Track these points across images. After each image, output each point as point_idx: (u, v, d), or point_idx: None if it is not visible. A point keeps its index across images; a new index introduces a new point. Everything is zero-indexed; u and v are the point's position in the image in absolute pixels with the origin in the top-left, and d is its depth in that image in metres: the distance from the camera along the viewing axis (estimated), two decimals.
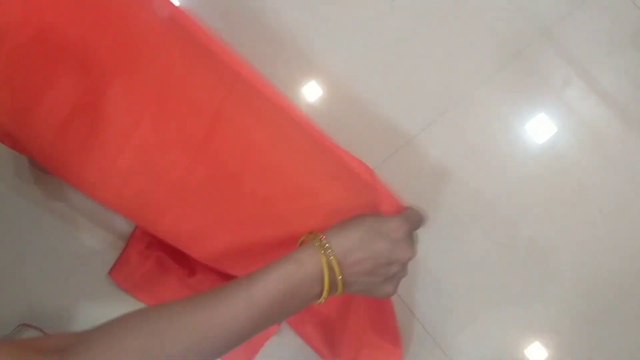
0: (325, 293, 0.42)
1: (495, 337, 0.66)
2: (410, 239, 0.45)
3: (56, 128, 0.47)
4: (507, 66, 0.69)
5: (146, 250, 0.64)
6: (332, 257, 0.42)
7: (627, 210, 0.67)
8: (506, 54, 0.70)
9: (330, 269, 0.42)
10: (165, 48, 0.47)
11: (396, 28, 0.71)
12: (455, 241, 0.67)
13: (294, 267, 0.41)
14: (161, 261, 0.64)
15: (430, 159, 0.68)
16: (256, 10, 0.70)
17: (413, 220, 0.47)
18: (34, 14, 0.44)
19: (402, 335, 0.61)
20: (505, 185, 0.68)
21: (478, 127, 0.69)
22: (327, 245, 0.42)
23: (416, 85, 0.70)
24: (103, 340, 0.37)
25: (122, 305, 0.65)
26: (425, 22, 0.71)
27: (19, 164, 0.65)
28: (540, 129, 0.69)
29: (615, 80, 0.69)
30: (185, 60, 0.47)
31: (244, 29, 0.70)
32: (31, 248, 0.65)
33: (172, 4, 0.49)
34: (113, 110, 0.46)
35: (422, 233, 0.46)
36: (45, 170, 0.59)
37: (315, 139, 0.50)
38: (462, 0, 0.71)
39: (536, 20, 0.70)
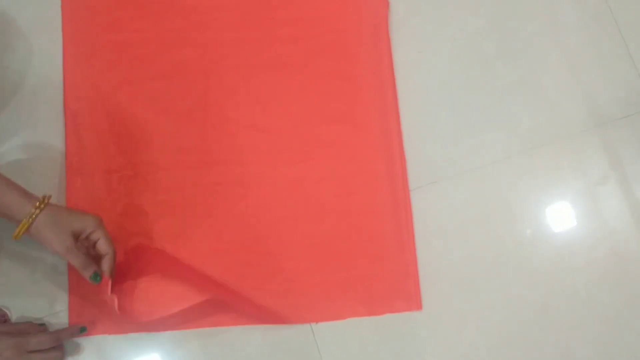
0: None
1: None
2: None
3: None
4: (550, 143, 0.68)
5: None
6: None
7: (624, 331, 0.65)
8: (554, 132, 0.69)
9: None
10: None
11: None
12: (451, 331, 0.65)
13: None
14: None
15: (438, 211, 0.67)
16: None
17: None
18: None
19: None
20: (501, 256, 0.66)
21: (497, 193, 0.67)
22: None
23: (454, 133, 0.69)
24: None
25: None
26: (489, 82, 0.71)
27: None
28: (559, 217, 0.67)
29: None
30: None
31: None
32: None
33: None
34: None
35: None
36: None
37: None
38: (534, 74, 0.70)
39: (596, 111, 0.69)
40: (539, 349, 0.64)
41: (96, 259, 0.61)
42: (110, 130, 0.68)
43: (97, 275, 0.60)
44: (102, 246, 0.60)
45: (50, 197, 0.58)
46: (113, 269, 0.61)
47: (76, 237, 0.58)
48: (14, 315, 0.64)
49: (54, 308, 0.64)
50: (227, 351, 0.64)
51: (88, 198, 0.67)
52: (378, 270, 0.66)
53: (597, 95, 0.70)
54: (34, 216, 0.56)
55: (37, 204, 0.56)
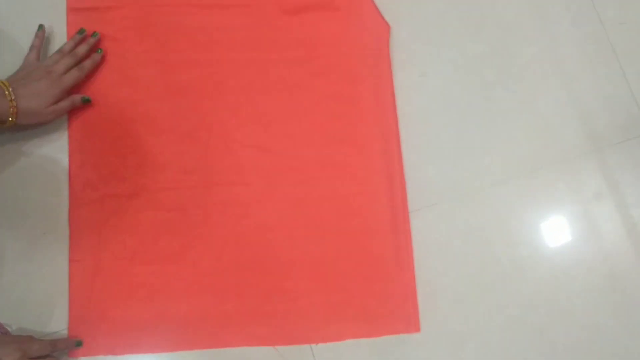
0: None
1: None
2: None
3: None
4: (547, 166, 0.69)
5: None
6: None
7: (622, 353, 0.66)
8: (552, 156, 0.70)
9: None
10: None
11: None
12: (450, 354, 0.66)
13: None
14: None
15: (437, 233, 0.68)
16: None
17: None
18: None
19: None
20: (499, 278, 0.67)
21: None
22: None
23: (454, 155, 0.70)
24: None
25: None
26: (488, 105, 0.72)
27: None
28: (557, 239, 0.68)
29: None
30: None
31: None
32: None
33: None
34: None
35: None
36: None
37: None
38: (533, 98, 0.72)
39: (593, 135, 0.70)
40: None
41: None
42: (113, 149, 0.69)
43: None
44: None
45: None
46: None
47: None
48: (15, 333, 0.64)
49: (54, 327, 0.65)
50: None
51: (90, 215, 0.67)
52: (377, 291, 0.66)
53: (594, 120, 0.71)
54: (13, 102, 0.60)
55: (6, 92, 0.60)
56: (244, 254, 0.67)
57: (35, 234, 0.67)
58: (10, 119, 0.61)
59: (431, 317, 0.66)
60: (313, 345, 0.65)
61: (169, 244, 0.67)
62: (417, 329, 0.65)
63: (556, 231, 0.69)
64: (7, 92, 0.60)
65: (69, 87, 0.66)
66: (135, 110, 0.70)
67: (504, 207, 0.69)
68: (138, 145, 0.69)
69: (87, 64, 0.68)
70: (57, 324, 0.65)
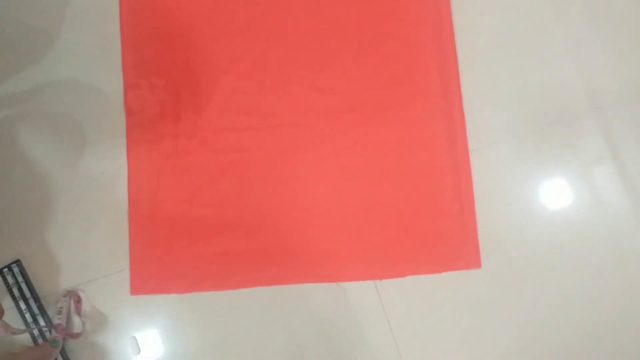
0: None
1: None
2: None
3: None
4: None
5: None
6: None
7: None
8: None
9: None
10: None
11: None
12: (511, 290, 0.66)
13: None
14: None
15: (497, 171, 0.68)
16: None
17: None
18: None
19: None
20: (559, 217, 0.67)
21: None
22: None
23: (512, 96, 0.69)
24: None
25: None
26: (546, 46, 0.71)
27: None
28: (556, 195, 0.68)
29: None
30: None
31: None
32: None
33: None
34: None
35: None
36: None
37: None
38: (590, 40, 0.70)
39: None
40: (598, 308, 0.66)
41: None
42: (169, 88, 0.68)
43: None
44: None
45: None
46: None
47: None
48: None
49: (116, 266, 0.65)
50: (291, 307, 0.65)
51: (148, 155, 0.66)
52: (438, 229, 0.67)
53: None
54: None
55: None
56: (304, 194, 0.67)
57: (93, 173, 0.66)
58: None
59: (492, 253, 0.66)
60: (377, 282, 0.65)
61: (228, 186, 0.67)
62: (478, 265, 0.66)
63: (555, 192, 0.68)
64: None
65: None
66: (191, 48, 0.68)
67: (567, 147, 0.69)
68: (194, 85, 0.68)
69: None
70: (119, 263, 0.65)
